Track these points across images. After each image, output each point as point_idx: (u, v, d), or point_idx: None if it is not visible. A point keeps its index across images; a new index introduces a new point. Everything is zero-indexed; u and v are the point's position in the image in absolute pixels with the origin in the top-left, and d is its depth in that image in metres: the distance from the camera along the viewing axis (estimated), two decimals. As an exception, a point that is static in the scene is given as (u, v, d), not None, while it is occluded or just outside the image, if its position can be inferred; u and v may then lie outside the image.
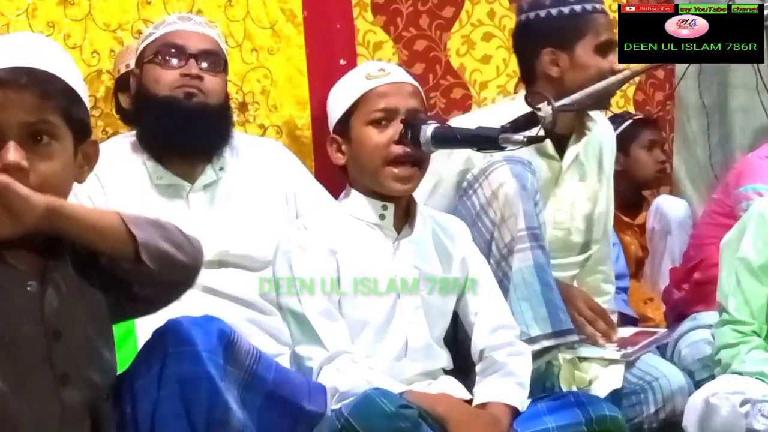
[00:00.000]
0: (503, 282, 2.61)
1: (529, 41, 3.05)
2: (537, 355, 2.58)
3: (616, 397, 2.76)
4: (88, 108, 1.94)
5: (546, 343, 2.61)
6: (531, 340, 2.59)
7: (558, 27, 2.96)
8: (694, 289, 3.53)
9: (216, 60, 2.77)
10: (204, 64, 2.75)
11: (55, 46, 1.95)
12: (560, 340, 2.62)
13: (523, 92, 3.06)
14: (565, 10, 2.95)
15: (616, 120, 4.25)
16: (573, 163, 3.03)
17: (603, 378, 2.77)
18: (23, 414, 1.82)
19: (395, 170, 2.42)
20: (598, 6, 2.99)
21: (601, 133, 3.13)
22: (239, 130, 3.14)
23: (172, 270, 1.87)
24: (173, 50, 2.74)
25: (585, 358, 2.80)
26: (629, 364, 2.84)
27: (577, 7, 2.95)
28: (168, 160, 2.76)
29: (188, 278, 1.92)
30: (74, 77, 1.90)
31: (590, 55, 2.95)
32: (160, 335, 1.93)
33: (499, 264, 2.63)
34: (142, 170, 2.76)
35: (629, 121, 4.24)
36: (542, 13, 2.98)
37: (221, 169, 2.80)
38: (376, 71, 2.51)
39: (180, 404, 1.88)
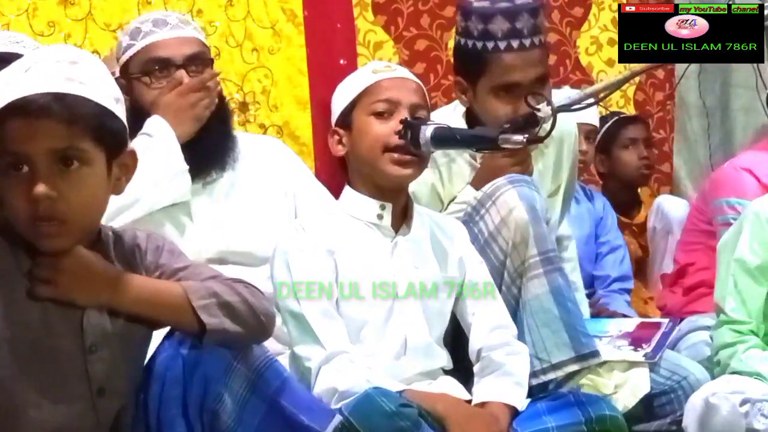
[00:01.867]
0: (512, 306, 2.55)
1: (453, 63, 2.94)
2: (563, 381, 2.53)
3: (646, 398, 2.74)
4: (124, 114, 1.91)
5: (570, 369, 2.54)
6: (554, 367, 2.53)
7: (464, 60, 2.81)
8: (685, 293, 3.53)
9: (203, 60, 2.76)
10: (193, 67, 2.73)
11: (85, 59, 1.89)
12: (584, 364, 2.54)
13: (450, 105, 3.00)
14: (470, 43, 2.77)
15: (605, 121, 4.25)
16: None
17: (630, 383, 2.74)
18: (60, 424, 1.85)
19: (394, 155, 2.43)
20: (502, 44, 2.73)
21: (555, 144, 2.97)
22: (240, 130, 3.14)
23: (233, 345, 1.93)
24: (159, 66, 2.71)
25: (605, 362, 2.73)
26: (653, 365, 2.80)
27: (479, 44, 2.75)
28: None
29: (247, 345, 1.97)
30: (106, 90, 1.86)
31: (486, 95, 2.77)
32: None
33: (510, 288, 2.58)
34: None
35: (610, 122, 4.23)
36: (458, 39, 2.84)
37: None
38: (383, 67, 2.55)
39: (180, 388, 1.91)
